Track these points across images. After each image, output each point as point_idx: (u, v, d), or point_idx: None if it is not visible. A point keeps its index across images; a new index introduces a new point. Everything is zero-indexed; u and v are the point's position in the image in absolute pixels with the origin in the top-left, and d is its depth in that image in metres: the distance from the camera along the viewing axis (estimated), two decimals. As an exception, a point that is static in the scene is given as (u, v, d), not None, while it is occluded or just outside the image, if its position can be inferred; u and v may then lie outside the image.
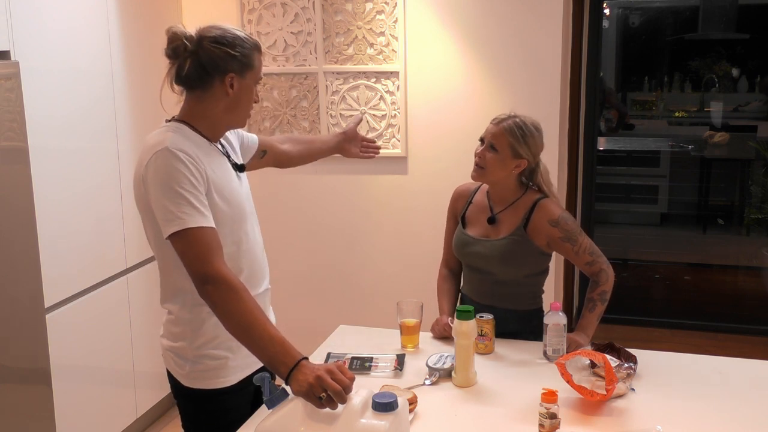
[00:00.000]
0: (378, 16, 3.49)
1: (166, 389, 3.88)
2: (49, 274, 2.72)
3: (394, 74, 3.52)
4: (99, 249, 3.12)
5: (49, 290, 2.75)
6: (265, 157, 2.26)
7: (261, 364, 1.95)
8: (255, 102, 1.93)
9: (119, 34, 3.19)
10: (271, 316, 2.09)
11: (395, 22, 3.47)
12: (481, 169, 2.33)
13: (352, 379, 1.60)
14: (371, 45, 3.52)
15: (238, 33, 1.86)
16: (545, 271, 2.45)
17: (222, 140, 1.98)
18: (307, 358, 1.67)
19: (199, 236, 1.72)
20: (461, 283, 2.55)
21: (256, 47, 1.89)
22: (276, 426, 1.59)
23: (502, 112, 2.38)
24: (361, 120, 2.59)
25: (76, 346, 2.98)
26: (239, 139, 2.12)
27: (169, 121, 1.90)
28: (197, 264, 1.72)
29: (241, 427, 1.83)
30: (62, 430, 2.77)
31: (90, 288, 3.06)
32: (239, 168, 1.98)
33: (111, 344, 3.22)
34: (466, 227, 2.47)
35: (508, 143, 2.29)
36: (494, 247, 2.36)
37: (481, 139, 2.36)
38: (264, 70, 3.60)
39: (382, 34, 3.50)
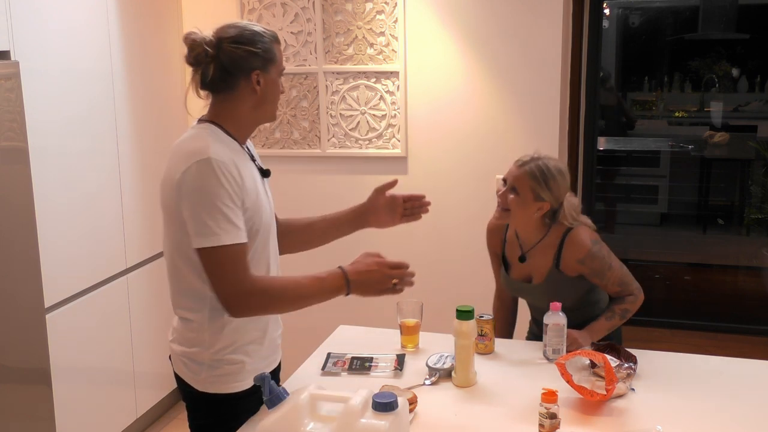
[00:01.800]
0: (378, 16, 3.49)
1: (166, 389, 3.86)
2: (49, 274, 2.72)
3: (394, 74, 3.52)
4: (99, 249, 3.12)
5: (49, 290, 2.75)
6: None
7: (275, 367, 1.97)
8: (282, 93, 1.91)
9: (119, 35, 3.19)
10: (279, 323, 2.07)
11: (395, 22, 3.47)
12: (505, 211, 2.33)
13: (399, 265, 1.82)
14: (371, 45, 3.52)
15: (256, 28, 1.83)
16: (595, 285, 2.40)
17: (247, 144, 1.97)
18: (342, 268, 1.80)
19: (233, 253, 1.73)
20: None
21: (275, 39, 1.86)
22: (276, 426, 1.60)
23: (526, 154, 2.34)
24: (395, 183, 2.13)
25: (76, 346, 2.98)
26: None
27: (201, 122, 1.87)
28: (232, 281, 1.74)
29: (241, 427, 1.83)
30: (62, 430, 2.77)
31: (90, 288, 3.06)
32: (264, 173, 1.95)
33: (111, 344, 3.22)
34: (508, 270, 2.48)
35: (530, 186, 2.27)
36: (537, 292, 2.40)
37: (504, 180, 2.34)
38: (264, 70, 3.64)
39: (382, 34, 3.50)
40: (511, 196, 2.29)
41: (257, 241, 1.85)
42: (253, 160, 1.93)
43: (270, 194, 1.99)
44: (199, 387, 1.89)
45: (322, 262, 3.83)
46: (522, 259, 2.40)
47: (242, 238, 1.75)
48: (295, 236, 2.18)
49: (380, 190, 2.14)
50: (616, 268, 2.33)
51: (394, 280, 1.70)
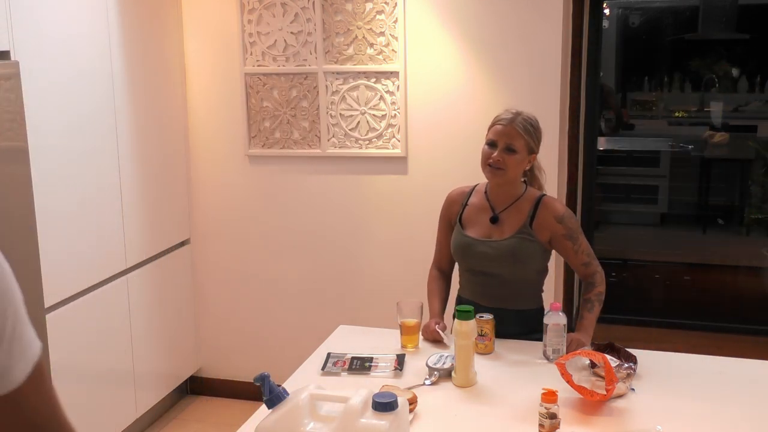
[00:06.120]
0: (378, 16, 3.49)
1: (166, 389, 3.87)
2: (49, 274, 2.72)
3: (394, 74, 3.51)
4: (99, 249, 3.12)
5: (49, 290, 2.75)
6: None
7: None
8: None
9: (119, 35, 3.19)
10: None
11: (395, 22, 3.47)
12: (501, 170, 2.32)
13: None
14: (371, 45, 3.52)
15: None
16: (546, 269, 2.47)
17: None
18: None
19: None
20: (459, 287, 2.54)
21: None
22: (276, 426, 1.59)
23: (502, 111, 2.38)
24: None
25: (76, 346, 2.98)
26: None
27: None
28: None
29: (241, 426, 1.84)
30: (62, 430, 2.77)
31: (90, 288, 3.06)
32: None
33: (111, 344, 3.22)
34: (465, 230, 2.45)
35: (525, 142, 2.32)
36: (502, 247, 2.36)
37: (491, 143, 2.34)
38: (264, 70, 3.65)
39: (382, 34, 3.50)
40: (510, 156, 2.31)
41: None
42: None
43: None
44: None
45: (323, 259, 3.82)
46: (495, 219, 2.40)
47: None
48: None
49: None
50: (585, 238, 2.40)
51: None
